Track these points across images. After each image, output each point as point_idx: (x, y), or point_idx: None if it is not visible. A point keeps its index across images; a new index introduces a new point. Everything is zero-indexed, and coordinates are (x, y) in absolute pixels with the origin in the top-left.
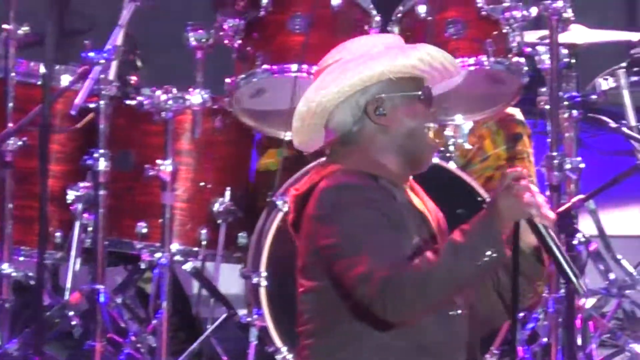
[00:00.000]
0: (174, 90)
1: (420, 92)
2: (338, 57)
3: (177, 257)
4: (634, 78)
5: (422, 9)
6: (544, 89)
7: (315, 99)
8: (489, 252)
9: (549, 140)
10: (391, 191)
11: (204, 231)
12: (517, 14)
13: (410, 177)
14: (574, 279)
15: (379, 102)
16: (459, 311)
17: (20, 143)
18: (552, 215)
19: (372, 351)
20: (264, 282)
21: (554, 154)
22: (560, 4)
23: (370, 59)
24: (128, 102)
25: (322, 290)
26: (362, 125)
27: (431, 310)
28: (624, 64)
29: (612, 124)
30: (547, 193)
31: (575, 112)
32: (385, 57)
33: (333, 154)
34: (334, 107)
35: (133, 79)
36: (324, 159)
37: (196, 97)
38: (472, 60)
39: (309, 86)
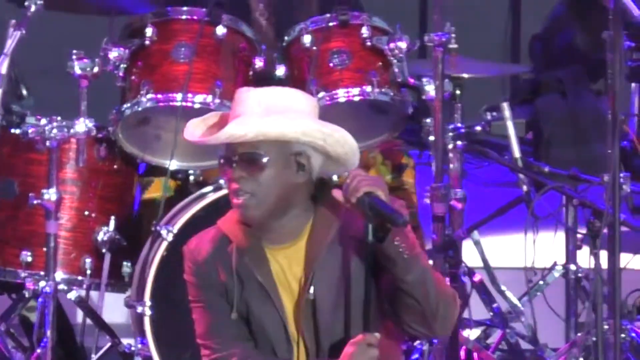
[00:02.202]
0: (59, 119)
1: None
2: None
3: (62, 286)
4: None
5: (307, 39)
6: (428, 120)
7: None
8: None
9: (434, 171)
10: (229, 258)
11: (88, 260)
12: (402, 44)
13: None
14: (398, 216)
15: None
16: None
17: None
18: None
19: None
20: (148, 312)
21: (439, 185)
22: (446, 35)
23: None
24: (12, 130)
25: None
26: None
27: None
28: (507, 96)
29: (496, 156)
30: (432, 224)
31: (459, 143)
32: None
33: None
34: None
35: (17, 107)
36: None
37: (81, 125)
38: (356, 91)
39: (193, 115)
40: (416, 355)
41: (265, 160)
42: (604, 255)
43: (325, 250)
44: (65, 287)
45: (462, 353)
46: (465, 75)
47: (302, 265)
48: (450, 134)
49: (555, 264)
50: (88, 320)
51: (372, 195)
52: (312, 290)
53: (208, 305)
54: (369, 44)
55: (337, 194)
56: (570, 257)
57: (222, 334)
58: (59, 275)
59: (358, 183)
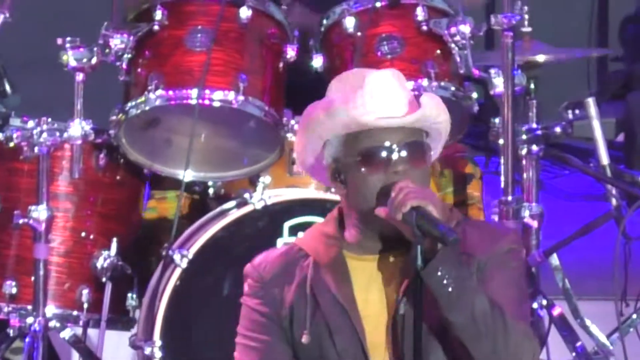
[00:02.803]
0: (49, 121)
1: (357, 154)
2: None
3: (53, 323)
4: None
5: (350, 23)
6: (497, 120)
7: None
8: None
9: (503, 181)
10: (303, 274)
11: (85, 291)
12: (465, 29)
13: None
14: (450, 234)
15: (335, 164)
16: None
17: None
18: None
19: None
20: (158, 353)
21: (509, 198)
22: (517, 17)
23: (307, 119)
24: None
25: None
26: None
27: None
28: (593, 90)
29: (579, 163)
30: None
31: (535, 148)
32: (313, 116)
33: None
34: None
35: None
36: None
37: (76, 128)
38: (410, 85)
39: (212, 115)
40: None
41: (430, 151)
42: None
43: None
44: (58, 324)
45: None
46: (541, 59)
47: (398, 277)
48: (524, 136)
49: None
50: None
51: (420, 211)
52: (403, 304)
53: (261, 341)
54: (425, 28)
55: (380, 211)
56: None
57: None
58: (50, 309)
59: (405, 196)
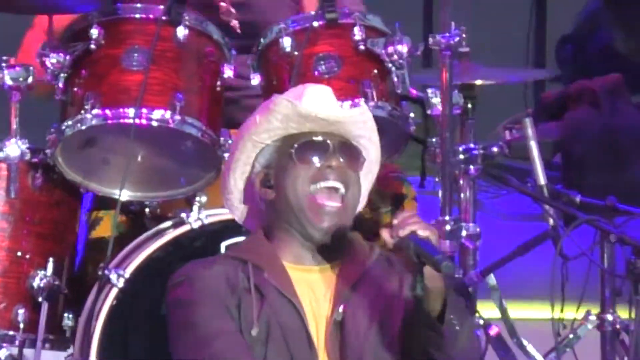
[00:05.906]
0: None
1: (292, 150)
2: None
3: None
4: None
5: (287, 42)
6: (434, 140)
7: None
8: None
9: (440, 201)
10: (244, 277)
11: (21, 311)
12: (402, 48)
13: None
14: (443, 260)
15: (266, 171)
16: None
17: None
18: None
19: None
20: None
21: (446, 218)
22: (455, 36)
23: (243, 127)
24: None
25: None
26: (261, 203)
27: None
28: (530, 110)
29: (517, 183)
30: None
31: (472, 168)
32: (249, 122)
33: None
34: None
35: None
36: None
37: (12, 148)
38: (347, 104)
39: (149, 134)
40: None
41: (363, 160)
42: None
43: (361, 277)
44: None
45: None
46: (478, 83)
47: (332, 291)
48: (461, 156)
49: (588, 313)
50: None
51: (417, 237)
52: (340, 309)
53: (208, 317)
54: (362, 47)
55: (384, 232)
56: (607, 305)
57: (228, 344)
58: None
59: (410, 220)
